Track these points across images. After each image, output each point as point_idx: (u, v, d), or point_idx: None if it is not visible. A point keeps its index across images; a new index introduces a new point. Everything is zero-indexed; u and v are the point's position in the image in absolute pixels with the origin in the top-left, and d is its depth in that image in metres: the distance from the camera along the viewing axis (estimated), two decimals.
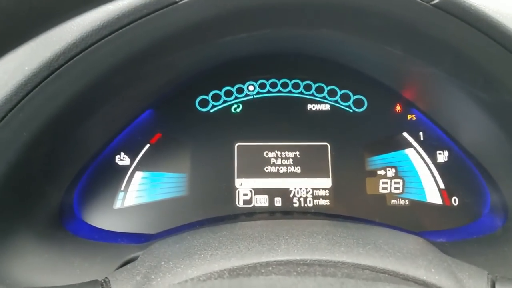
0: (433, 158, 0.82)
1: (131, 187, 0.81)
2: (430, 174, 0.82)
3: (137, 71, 0.61)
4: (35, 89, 0.53)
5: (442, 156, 0.82)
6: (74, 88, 0.56)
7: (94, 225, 0.77)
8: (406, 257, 0.52)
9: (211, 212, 0.80)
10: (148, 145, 0.83)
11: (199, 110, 0.85)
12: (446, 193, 0.81)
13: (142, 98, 0.77)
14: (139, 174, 0.81)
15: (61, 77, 0.54)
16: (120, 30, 0.52)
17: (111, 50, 0.54)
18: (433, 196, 0.81)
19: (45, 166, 0.65)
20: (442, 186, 0.81)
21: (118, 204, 0.80)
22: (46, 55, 0.52)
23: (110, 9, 0.51)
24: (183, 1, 0.51)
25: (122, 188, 0.80)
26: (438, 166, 0.82)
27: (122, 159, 0.81)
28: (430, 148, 0.82)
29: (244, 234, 0.57)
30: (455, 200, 0.80)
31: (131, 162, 0.82)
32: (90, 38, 0.52)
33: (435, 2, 0.53)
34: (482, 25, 0.53)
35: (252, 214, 0.80)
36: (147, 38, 0.55)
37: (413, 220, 0.79)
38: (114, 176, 0.81)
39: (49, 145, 0.62)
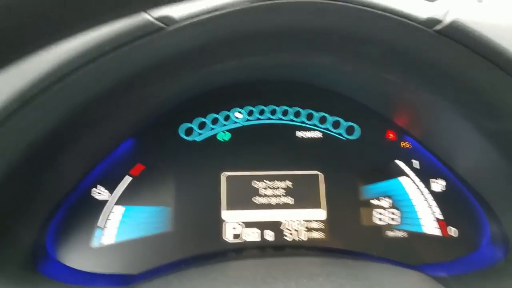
0: (428, 187, 0.79)
1: (109, 223, 0.74)
2: (427, 204, 0.78)
3: (119, 101, 0.57)
4: (4, 122, 0.48)
5: (438, 185, 0.79)
6: (49, 121, 0.51)
7: (70, 266, 0.71)
8: None
9: (197, 249, 0.74)
10: (128, 177, 0.77)
11: (184, 139, 0.80)
12: (443, 224, 0.77)
13: (122, 127, 0.72)
14: (118, 209, 0.75)
15: (35, 109, 0.48)
16: (101, 58, 0.48)
17: (91, 80, 0.49)
18: (430, 227, 0.77)
19: (15, 205, 0.59)
20: (439, 216, 0.78)
21: (95, 243, 0.73)
22: (18, 85, 0.47)
23: (91, 35, 0.47)
24: (172, 27, 0.47)
25: (100, 224, 0.74)
26: (434, 196, 0.79)
27: (100, 193, 0.75)
28: (426, 177, 0.79)
29: (237, 277, 0.52)
30: (452, 231, 0.77)
31: (110, 196, 0.76)
32: (67, 67, 0.47)
33: (438, 28, 0.50)
34: (487, 52, 0.51)
35: (241, 249, 0.75)
36: (130, 67, 0.50)
37: (411, 252, 0.75)
38: (91, 212, 0.74)
39: (20, 182, 0.56)
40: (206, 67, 0.58)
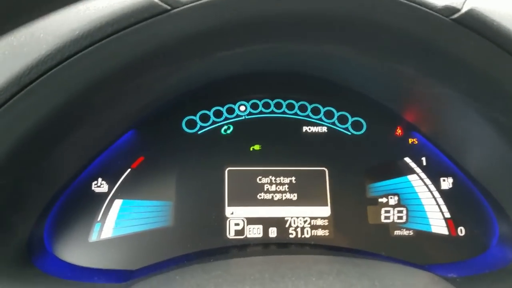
0: (437, 185, 0.77)
1: (109, 217, 0.72)
2: (435, 203, 0.76)
3: (121, 88, 0.54)
4: (1, 107, 0.46)
5: (447, 183, 0.77)
6: (47, 107, 0.48)
7: (67, 261, 0.68)
8: None
9: (199, 245, 0.72)
10: (129, 170, 0.75)
11: (186, 132, 0.78)
12: (451, 223, 0.75)
13: (124, 117, 0.69)
14: (118, 203, 0.73)
15: (33, 94, 0.46)
16: (103, 41, 0.45)
17: (92, 64, 0.47)
18: (439, 226, 0.75)
19: (12, 195, 0.57)
20: (447, 215, 0.75)
21: (94, 237, 0.71)
22: (16, 69, 0.45)
23: (92, 16, 0.44)
24: (176, 10, 0.45)
25: (99, 218, 0.72)
26: (443, 194, 0.76)
27: (100, 186, 0.73)
28: (434, 174, 0.77)
29: (242, 275, 0.50)
30: (461, 230, 0.75)
31: (110, 189, 0.73)
32: (67, 50, 0.45)
33: (455, 16, 0.48)
34: (505, 42, 0.49)
35: (244, 246, 0.72)
36: (133, 51, 0.48)
37: (419, 252, 0.73)
38: (90, 205, 0.72)
39: (16, 171, 0.54)
40: (213, 54, 0.55)
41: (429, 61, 0.54)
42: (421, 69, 0.57)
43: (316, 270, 0.49)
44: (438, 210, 0.76)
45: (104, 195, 0.73)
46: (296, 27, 0.52)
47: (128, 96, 0.60)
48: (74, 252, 0.70)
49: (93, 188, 0.73)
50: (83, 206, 0.72)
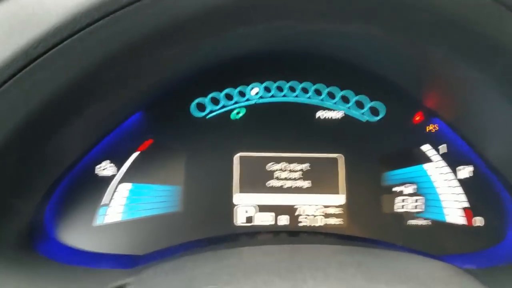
0: (455, 173, 0.74)
1: (114, 201, 0.70)
2: (452, 192, 0.74)
3: (132, 65, 0.51)
4: (6, 83, 0.43)
5: (466, 172, 0.74)
6: (55, 84, 0.45)
7: (71, 246, 0.66)
8: None
9: (207, 231, 0.70)
10: (136, 153, 0.72)
11: (195, 115, 0.75)
12: (469, 213, 0.73)
13: (131, 98, 0.66)
14: (124, 186, 0.71)
15: (40, 69, 0.43)
16: (117, 13, 0.42)
17: (104, 38, 0.44)
18: (455, 216, 0.73)
19: (14, 177, 0.54)
20: (464, 205, 0.73)
21: (99, 221, 0.69)
22: (23, 42, 0.42)
23: None
24: None
25: (105, 202, 0.69)
26: (461, 183, 0.74)
27: (105, 169, 0.71)
28: (453, 163, 0.74)
29: (257, 264, 0.48)
30: (477, 220, 0.73)
31: (116, 172, 0.71)
32: (79, 22, 0.42)
33: None
34: None
35: (254, 234, 0.70)
36: (148, 25, 0.45)
37: (434, 242, 0.71)
38: (95, 188, 0.70)
39: (19, 152, 0.51)
40: (230, 31, 0.52)
41: (464, 42, 0.51)
42: (455, 51, 0.53)
43: (335, 261, 0.47)
44: (456, 199, 0.73)
45: (109, 178, 0.71)
46: (326, 5, 0.49)
47: (138, 74, 0.56)
48: (78, 236, 0.68)
49: (97, 171, 0.71)
50: (88, 189, 0.70)
